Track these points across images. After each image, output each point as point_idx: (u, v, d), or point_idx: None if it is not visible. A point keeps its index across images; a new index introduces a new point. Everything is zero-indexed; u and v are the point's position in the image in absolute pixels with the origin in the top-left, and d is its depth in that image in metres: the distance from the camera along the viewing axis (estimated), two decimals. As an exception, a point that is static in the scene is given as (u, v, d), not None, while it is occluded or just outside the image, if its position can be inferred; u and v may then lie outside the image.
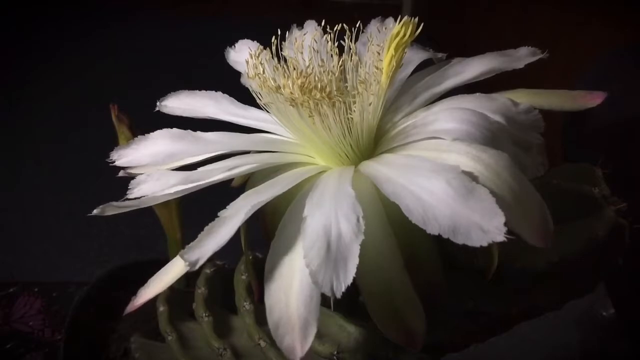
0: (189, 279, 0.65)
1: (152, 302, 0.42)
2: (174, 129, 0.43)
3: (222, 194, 0.43)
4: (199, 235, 0.34)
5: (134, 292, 0.40)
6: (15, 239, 1.14)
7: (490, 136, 0.34)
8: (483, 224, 0.29)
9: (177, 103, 0.48)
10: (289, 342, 0.32)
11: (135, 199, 0.39)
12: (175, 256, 0.63)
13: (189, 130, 0.43)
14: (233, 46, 0.51)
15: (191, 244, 0.34)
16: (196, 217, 0.38)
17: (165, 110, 0.48)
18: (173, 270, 0.39)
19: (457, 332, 0.46)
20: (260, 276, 0.35)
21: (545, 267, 0.42)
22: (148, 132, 0.44)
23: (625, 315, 0.88)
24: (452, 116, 0.36)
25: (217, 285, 0.60)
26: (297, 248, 0.33)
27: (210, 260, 0.39)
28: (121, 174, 0.43)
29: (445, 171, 0.31)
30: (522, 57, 0.43)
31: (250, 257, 0.50)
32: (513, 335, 0.47)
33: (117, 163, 0.42)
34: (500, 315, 0.45)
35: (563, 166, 0.48)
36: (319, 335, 0.45)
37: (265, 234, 0.41)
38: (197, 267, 0.33)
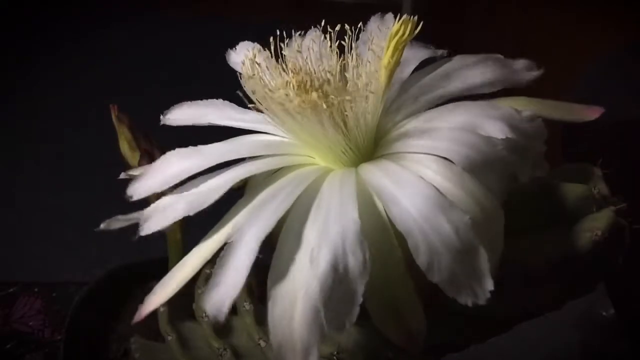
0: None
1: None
2: (178, 150, 0.44)
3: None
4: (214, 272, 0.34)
5: (133, 292, 0.40)
6: (15, 239, 1.14)
7: (490, 163, 0.34)
8: (475, 287, 0.31)
9: (180, 114, 0.49)
10: None
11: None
12: (175, 256, 0.64)
13: (191, 147, 0.44)
14: (234, 48, 0.52)
15: (208, 285, 0.34)
16: (196, 217, 0.38)
17: (169, 122, 0.49)
18: (178, 276, 0.39)
19: (457, 332, 0.46)
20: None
21: (545, 267, 0.42)
22: (148, 133, 0.44)
23: (625, 315, 0.88)
24: (456, 138, 0.36)
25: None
26: (298, 270, 0.33)
27: (211, 261, 0.39)
28: (122, 176, 0.43)
29: (455, 217, 0.31)
30: (523, 70, 0.44)
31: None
32: (513, 335, 0.47)
33: (135, 198, 0.42)
34: (500, 315, 0.45)
35: (563, 166, 0.48)
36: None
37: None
38: (223, 316, 0.33)
